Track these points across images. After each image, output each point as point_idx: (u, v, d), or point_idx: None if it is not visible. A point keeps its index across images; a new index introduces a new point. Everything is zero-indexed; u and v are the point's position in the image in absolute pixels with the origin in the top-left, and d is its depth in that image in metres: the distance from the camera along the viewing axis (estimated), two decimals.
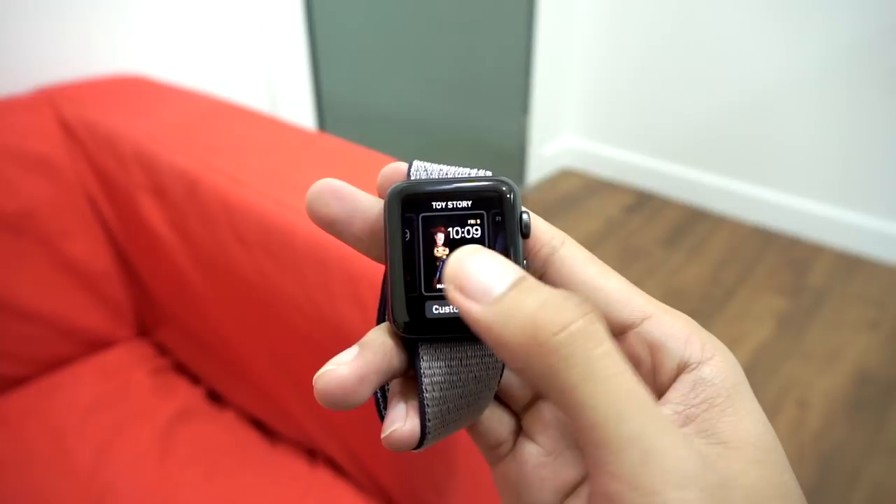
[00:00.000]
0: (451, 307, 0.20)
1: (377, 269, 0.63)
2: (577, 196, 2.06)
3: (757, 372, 1.35)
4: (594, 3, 1.95)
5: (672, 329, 0.20)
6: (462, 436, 0.58)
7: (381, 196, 0.23)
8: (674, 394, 0.20)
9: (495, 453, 0.23)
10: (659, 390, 0.20)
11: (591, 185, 2.12)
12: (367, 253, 0.23)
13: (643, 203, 2.02)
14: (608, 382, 0.16)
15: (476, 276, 0.18)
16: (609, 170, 2.15)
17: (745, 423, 0.18)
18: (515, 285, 0.18)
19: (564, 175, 2.19)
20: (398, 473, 0.65)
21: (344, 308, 0.59)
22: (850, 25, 1.58)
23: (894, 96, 1.58)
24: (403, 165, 0.23)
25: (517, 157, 2.05)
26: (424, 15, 1.55)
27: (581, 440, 0.17)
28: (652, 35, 1.89)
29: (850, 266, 1.71)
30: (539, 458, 0.22)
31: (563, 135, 2.20)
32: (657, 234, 1.85)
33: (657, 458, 0.15)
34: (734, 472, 0.17)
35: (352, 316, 0.58)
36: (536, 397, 0.23)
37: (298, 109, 1.29)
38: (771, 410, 1.25)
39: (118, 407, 0.77)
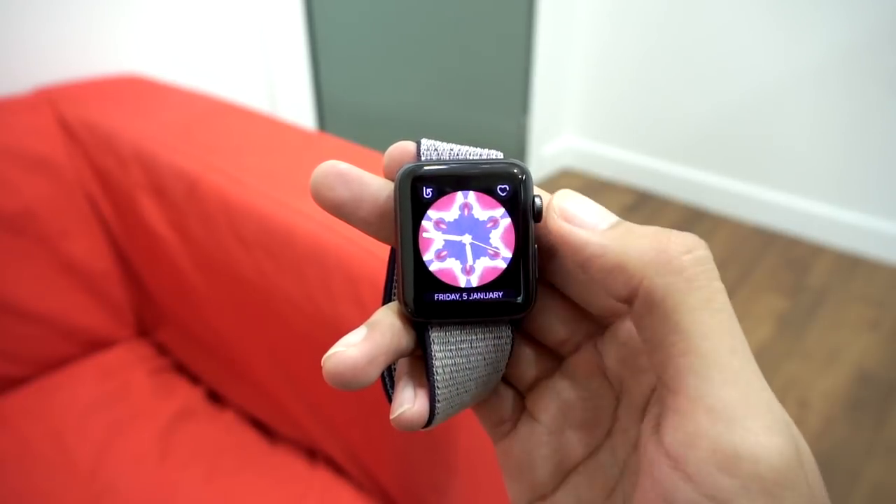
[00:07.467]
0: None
1: (377, 270, 0.63)
2: None
3: None
4: (594, 2, 1.95)
5: None
6: (462, 436, 0.58)
7: (387, 176, 0.22)
8: None
9: (499, 430, 0.23)
10: None
11: (591, 185, 2.12)
12: (376, 235, 0.22)
13: (643, 203, 2.02)
14: (722, 314, 0.17)
15: (585, 208, 0.20)
16: (609, 170, 2.15)
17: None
18: (622, 221, 0.19)
19: (564, 175, 2.19)
20: (398, 473, 0.65)
21: (344, 308, 0.59)
22: (849, 25, 1.58)
23: (893, 96, 1.58)
24: (411, 145, 0.22)
25: (517, 157, 2.05)
26: (424, 15, 1.55)
27: (676, 369, 0.17)
28: (652, 35, 1.89)
29: (850, 266, 1.71)
30: (541, 437, 0.22)
31: (563, 135, 2.20)
32: None
33: (758, 398, 0.16)
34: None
35: (352, 316, 0.58)
36: (541, 377, 0.23)
37: (298, 109, 1.29)
38: None
39: (118, 407, 0.77)
